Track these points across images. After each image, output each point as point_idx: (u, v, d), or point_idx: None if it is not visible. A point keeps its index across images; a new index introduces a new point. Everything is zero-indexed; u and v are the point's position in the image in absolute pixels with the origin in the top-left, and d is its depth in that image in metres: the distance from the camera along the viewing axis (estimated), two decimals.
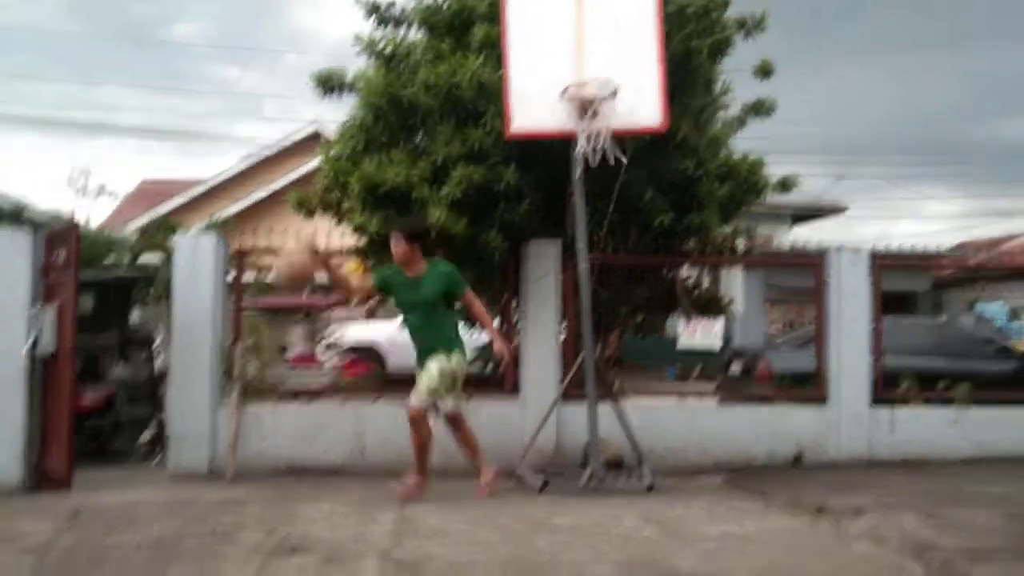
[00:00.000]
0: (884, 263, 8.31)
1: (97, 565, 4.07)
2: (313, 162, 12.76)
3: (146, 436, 8.06)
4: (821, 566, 4.21)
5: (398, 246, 5.77)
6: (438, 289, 5.76)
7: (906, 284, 15.52)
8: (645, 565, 4.18)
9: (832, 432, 7.46)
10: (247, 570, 4.02)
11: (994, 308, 15.27)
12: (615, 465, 6.59)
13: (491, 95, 6.47)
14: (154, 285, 12.45)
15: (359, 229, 6.83)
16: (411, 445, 5.78)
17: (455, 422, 5.92)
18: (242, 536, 4.66)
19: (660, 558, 4.30)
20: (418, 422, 5.68)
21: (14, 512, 5.36)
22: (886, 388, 7.71)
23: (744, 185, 7.41)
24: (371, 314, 7.42)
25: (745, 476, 6.86)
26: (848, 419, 7.49)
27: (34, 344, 6.22)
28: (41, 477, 6.19)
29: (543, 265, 7.25)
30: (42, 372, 6.37)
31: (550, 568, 4.10)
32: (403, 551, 4.38)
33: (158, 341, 11.71)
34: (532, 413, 6.93)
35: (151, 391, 8.42)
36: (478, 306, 5.99)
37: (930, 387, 7.90)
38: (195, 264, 7.04)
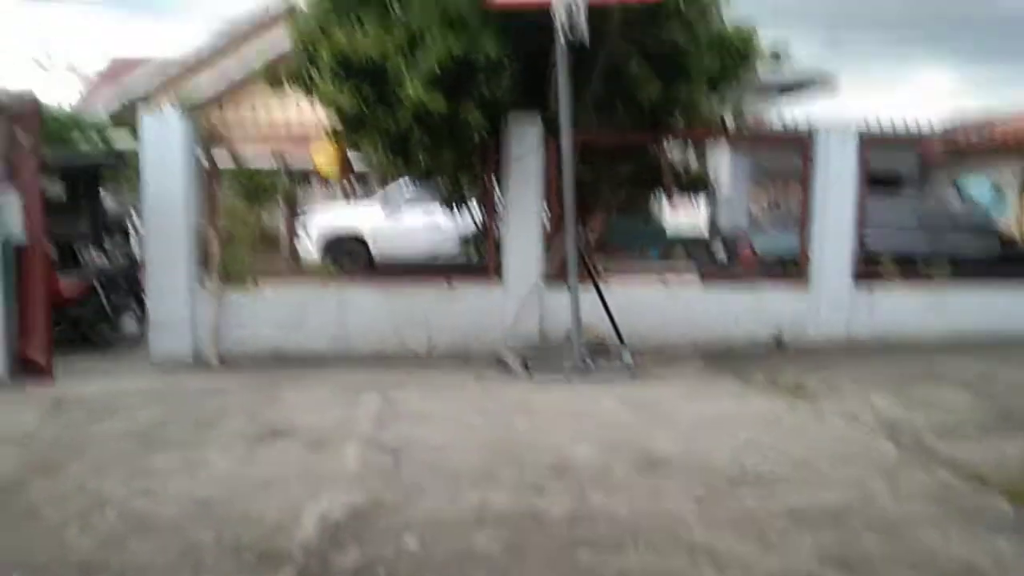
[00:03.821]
0: (872, 142, 8.13)
1: (80, 454, 4.09)
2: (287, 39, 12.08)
3: (129, 324, 8.01)
4: (796, 445, 4.30)
5: None
6: None
7: (892, 163, 15.35)
8: (623, 447, 4.25)
9: (812, 314, 7.53)
10: (231, 455, 4.06)
11: (979, 185, 15.11)
12: (597, 349, 6.65)
13: None
14: (128, 169, 12.10)
15: (326, 99, 6.42)
16: None
17: None
18: (226, 422, 4.70)
19: (638, 440, 4.38)
20: None
21: None
22: (867, 270, 7.73)
23: (735, 58, 7.10)
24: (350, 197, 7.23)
25: (725, 358, 6.96)
26: (828, 302, 7.54)
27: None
28: (22, 367, 6.15)
29: (525, 143, 7.03)
30: (15, 262, 6.21)
31: (529, 450, 4.17)
32: (386, 435, 4.44)
33: (136, 227, 11.51)
34: (515, 298, 6.92)
35: (132, 278, 8.30)
36: None
37: (912, 268, 7.92)
38: (164, 144, 6.77)
